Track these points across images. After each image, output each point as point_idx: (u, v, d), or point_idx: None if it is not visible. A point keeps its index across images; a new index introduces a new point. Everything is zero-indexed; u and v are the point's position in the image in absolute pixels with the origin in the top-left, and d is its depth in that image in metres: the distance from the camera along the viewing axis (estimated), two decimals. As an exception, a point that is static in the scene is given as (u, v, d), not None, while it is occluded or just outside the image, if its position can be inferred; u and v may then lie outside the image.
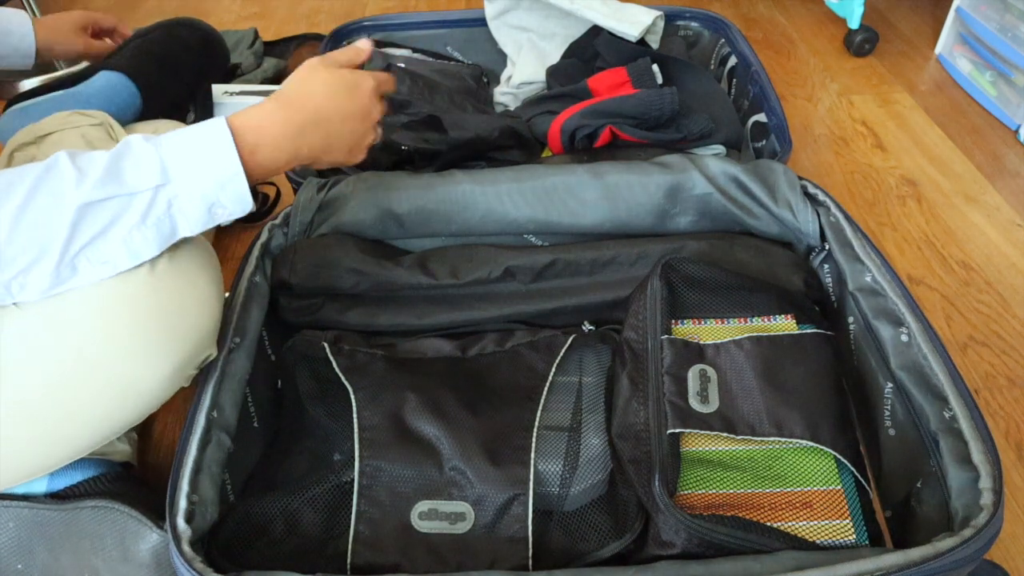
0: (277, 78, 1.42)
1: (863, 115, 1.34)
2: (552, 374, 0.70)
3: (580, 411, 0.68)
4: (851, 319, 0.73)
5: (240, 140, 0.55)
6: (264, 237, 0.77)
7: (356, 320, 0.76)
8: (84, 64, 1.07)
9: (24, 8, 1.62)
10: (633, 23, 1.05)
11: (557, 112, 1.00)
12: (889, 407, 0.66)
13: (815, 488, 0.58)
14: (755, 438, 0.60)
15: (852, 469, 0.59)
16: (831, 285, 0.78)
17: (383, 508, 0.62)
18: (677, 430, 0.60)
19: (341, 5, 1.80)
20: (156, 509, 0.63)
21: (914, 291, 0.98)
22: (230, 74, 1.34)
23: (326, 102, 0.61)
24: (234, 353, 0.65)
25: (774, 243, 0.80)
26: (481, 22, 1.23)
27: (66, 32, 0.99)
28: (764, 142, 1.01)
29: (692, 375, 0.64)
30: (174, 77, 1.00)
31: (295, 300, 0.77)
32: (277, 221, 0.80)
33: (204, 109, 1.09)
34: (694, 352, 0.66)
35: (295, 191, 0.86)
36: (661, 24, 1.09)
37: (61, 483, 0.64)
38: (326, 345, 0.71)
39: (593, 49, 1.11)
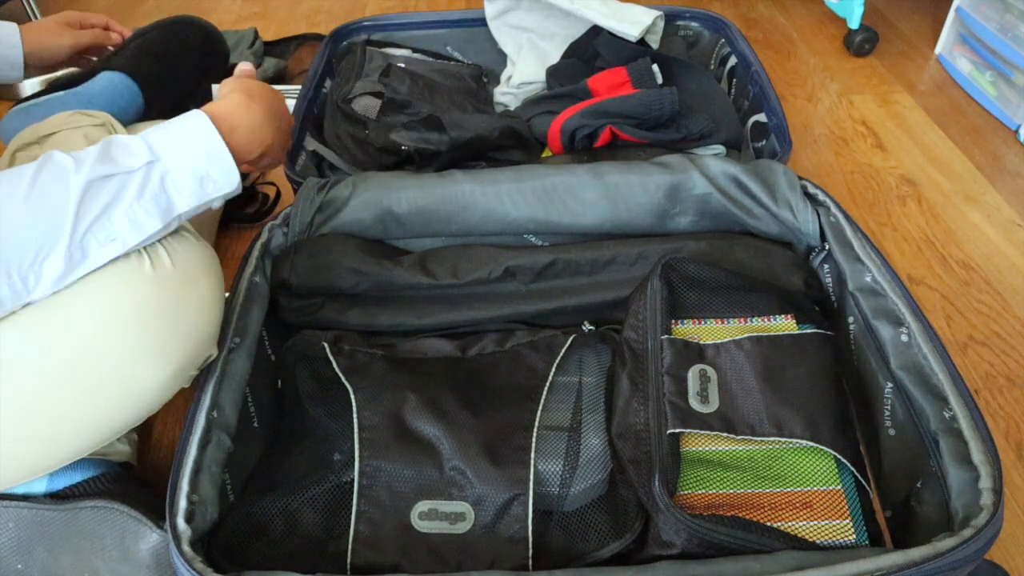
0: (277, 78, 1.42)
1: (863, 115, 1.34)
2: (552, 374, 0.70)
3: (580, 411, 0.68)
4: (851, 319, 0.73)
5: (218, 123, 0.60)
6: (264, 237, 0.77)
7: (356, 320, 0.76)
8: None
9: (25, 8, 1.62)
10: (633, 23, 1.05)
11: (557, 112, 1.00)
12: (889, 407, 0.66)
13: (815, 488, 0.58)
14: (755, 438, 0.60)
15: (852, 469, 0.59)
16: (831, 285, 0.78)
17: (383, 508, 0.62)
18: (677, 430, 0.60)
19: (341, 5, 1.80)
20: (156, 509, 0.63)
21: (914, 291, 0.98)
22: (230, 74, 1.33)
23: (275, 103, 0.69)
24: (234, 353, 0.65)
25: (774, 243, 0.80)
26: (481, 22, 1.23)
27: (51, 29, 0.98)
28: (764, 142, 1.01)
29: (692, 375, 0.64)
30: (175, 76, 0.99)
31: (295, 300, 0.77)
32: (277, 221, 0.80)
33: None
34: (694, 352, 0.66)
35: (295, 191, 0.85)
36: (661, 24, 1.09)
37: (61, 483, 0.64)
38: (326, 345, 0.71)
39: (593, 49, 1.11)
